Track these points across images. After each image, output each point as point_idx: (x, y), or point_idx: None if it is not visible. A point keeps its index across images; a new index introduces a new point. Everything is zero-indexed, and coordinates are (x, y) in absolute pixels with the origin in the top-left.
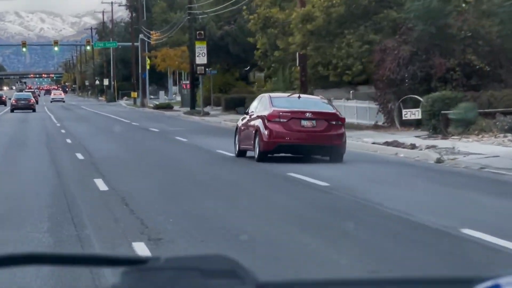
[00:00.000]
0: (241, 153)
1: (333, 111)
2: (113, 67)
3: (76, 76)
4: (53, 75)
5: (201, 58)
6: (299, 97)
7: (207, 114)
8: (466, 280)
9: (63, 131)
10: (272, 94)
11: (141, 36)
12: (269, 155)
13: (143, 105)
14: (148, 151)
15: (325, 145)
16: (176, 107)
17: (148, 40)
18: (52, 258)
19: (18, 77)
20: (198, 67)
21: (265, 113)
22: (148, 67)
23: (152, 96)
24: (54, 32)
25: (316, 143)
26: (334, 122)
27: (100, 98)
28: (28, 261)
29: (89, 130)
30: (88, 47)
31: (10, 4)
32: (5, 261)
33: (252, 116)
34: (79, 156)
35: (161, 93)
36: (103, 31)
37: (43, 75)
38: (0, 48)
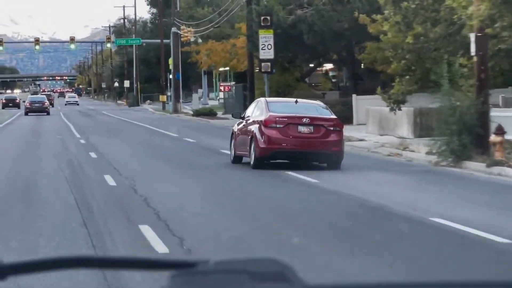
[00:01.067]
0: (237, 159)
1: (331, 116)
2: (136, 67)
3: (91, 78)
4: (66, 78)
5: (267, 52)
6: (296, 101)
7: None
8: None
9: (93, 154)
10: (269, 99)
11: (173, 29)
12: (265, 161)
13: (176, 110)
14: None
15: (323, 151)
16: (219, 114)
17: (184, 33)
18: (100, 261)
19: (31, 79)
20: (262, 63)
21: (261, 118)
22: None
23: (181, 100)
24: (67, 35)
25: (314, 149)
26: (332, 128)
27: (119, 101)
28: (75, 265)
29: (131, 151)
30: (108, 45)
31: (23, 7)
32: (54, 264)
33: (248, 121)
34: (154, 239)
35: (195, 96)
36: (123, 28)
37: (57, 77)
38: (13, 51)
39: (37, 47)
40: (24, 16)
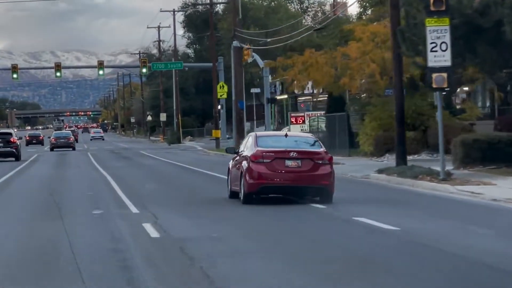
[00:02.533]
0: (233, 195)
1: (320, 149)
2: (176, 97)
3: (118, 112)
4: (90, 113)
5: (439, 56)
6: (286, 135)
7: (449, 176)
8: None
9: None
10: (259, 133)
11: (235, 43)
12: (254, 196)
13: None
14: None
15: (312, 185)
16: None
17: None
18: None
19: (53, 115)
20: (433, 75)
21: (249, 153)
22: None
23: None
24: (90, 70)
25: (302, 184)
26: (321, 162)
27: (152, 138)
28: None
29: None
30: (144, 70)
31: (46, 43)
32: None
33: (241, 156)
34: None
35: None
36: (159, 53)
37: (80, 112)
38: (36, 87)
39: (57, 73)
40: (47, 52)
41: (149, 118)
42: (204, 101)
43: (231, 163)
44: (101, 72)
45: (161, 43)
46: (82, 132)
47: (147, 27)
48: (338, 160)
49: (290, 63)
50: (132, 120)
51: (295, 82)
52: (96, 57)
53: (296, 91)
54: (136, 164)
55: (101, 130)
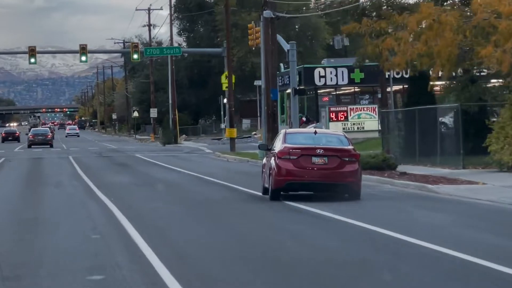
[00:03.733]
0: (266, 191)
1: (348, 147)
2: (172, 89)
3: (97, 108)
4: (66, 110)
5: None
6: (315, 132)
7: None
8: None
9: None
10: (289, 130)
11: (266, 13)
12: (281, 192)
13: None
14: None
15: (338, 182)
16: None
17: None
18: None
19: (29, 111)
20: None
21: (277, 150)
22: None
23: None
24: (66, 68)
25: (328, 180)
26: (347, 159)
27: (138, 136)
28: None
29: None
30: (136, 56)
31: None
32: None
33: (271, 152)
34: None
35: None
36: (150, 39)
37: (56, 109)
38: (11, 84)
39: (32, 59)
40: (23, 48)
41: (136, 114)
42: (198, 96)
43: (264, 159)
44: (83, 58)
45: (151, 27)
46: (59, 129)
47: (136, 9)
48: (447, 174)
49: (398, 21)
50: (114, 116)
51: (400, 63)
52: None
53: (390, 73)
54: (144, 177)
55: (76, 127)
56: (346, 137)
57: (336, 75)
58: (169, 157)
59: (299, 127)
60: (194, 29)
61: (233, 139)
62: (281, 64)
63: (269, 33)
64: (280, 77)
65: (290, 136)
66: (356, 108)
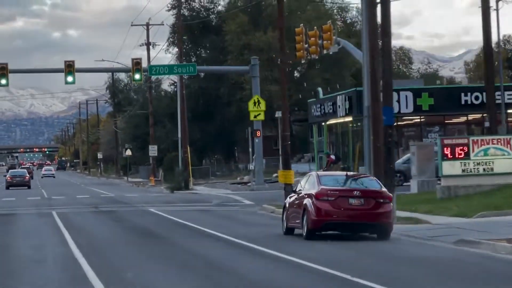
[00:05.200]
0: (289, 231)
1: (382, 189)
2: (182, 119)
3: (80, 147)
4: (45, 149)
5: None
6: (346, 175)
7: None
8: None
9: None
10: (320, 173)
11: None
12: (317, 233)
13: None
14: None
15: (373, 222)
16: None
17: None
18: None
19: (6, 151)
20: None
21: (313, 191)
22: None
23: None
24: (45, 108)
25: (364, 220)
26: (382, 200)
27: (131, 179)
28: None
29: None
30: (137, 76)
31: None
32: None
33: (300, 195)
34: None
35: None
36: (149, 60)
37: (35, 149)
38: None
39: (3, 81)
40: (1, 89)
41: (128, 152)
42: (203, 131)
43: (288, 200)
44: (70, 78)
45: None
46: (37, 169)
47: (131, 25)
48: None
49: None
50: (100, 156)
51: None
52: (51, 94)
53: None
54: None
55: (52, 168)
56: (376, 180)
57: (398, 101)
58: (207, 216)
59: (327, 168)
60: (197, 53)
61: (289, 186)
62: (319, 89)
63: (375, 15)
64: (318, 105)
65: (324, 178)
66: (481, 140)
